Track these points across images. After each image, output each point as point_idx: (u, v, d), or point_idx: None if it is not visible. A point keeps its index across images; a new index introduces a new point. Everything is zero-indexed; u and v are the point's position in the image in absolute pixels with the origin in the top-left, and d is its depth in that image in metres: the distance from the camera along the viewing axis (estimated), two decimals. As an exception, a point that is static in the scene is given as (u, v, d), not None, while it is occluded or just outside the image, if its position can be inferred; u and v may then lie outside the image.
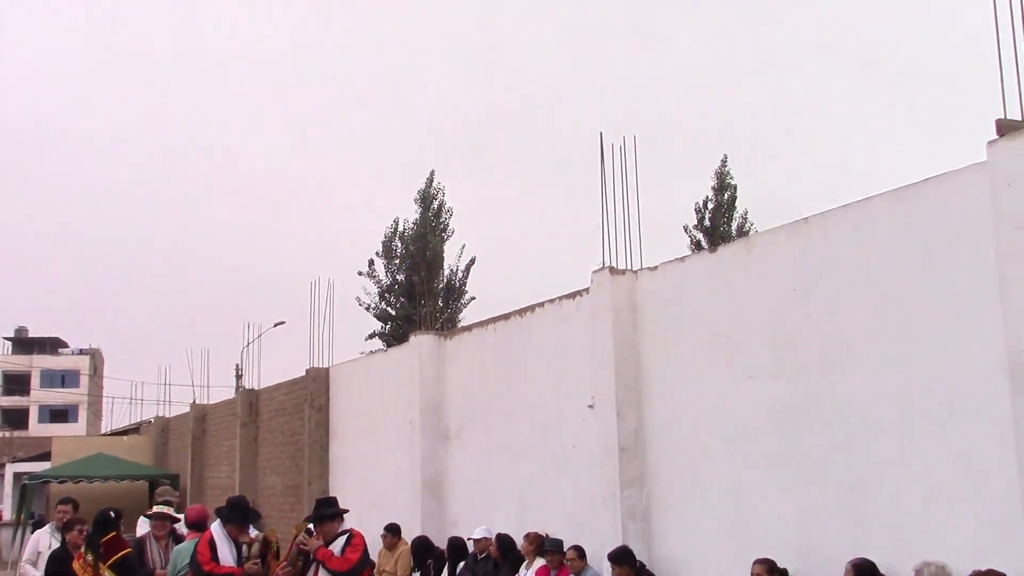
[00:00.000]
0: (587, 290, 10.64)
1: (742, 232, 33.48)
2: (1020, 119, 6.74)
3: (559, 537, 10.42)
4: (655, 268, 10.01)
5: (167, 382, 36.35)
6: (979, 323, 6.79)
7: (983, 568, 6.40)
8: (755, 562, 7.99)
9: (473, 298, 35.14)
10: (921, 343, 7.22)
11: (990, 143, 6.73)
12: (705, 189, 35.81)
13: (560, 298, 11.36)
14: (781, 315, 8.42)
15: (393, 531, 12.70)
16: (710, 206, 36.18)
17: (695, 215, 36.14)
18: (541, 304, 11.71)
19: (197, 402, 26.14)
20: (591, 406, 10.38)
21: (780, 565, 7.95)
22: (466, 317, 33.67)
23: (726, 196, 36.26)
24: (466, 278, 35.56)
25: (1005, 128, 6.70)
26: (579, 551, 9.88)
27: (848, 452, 7.68)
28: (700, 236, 35.42)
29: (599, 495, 10.05)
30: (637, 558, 9.16)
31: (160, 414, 30.96)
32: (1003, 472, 6.47)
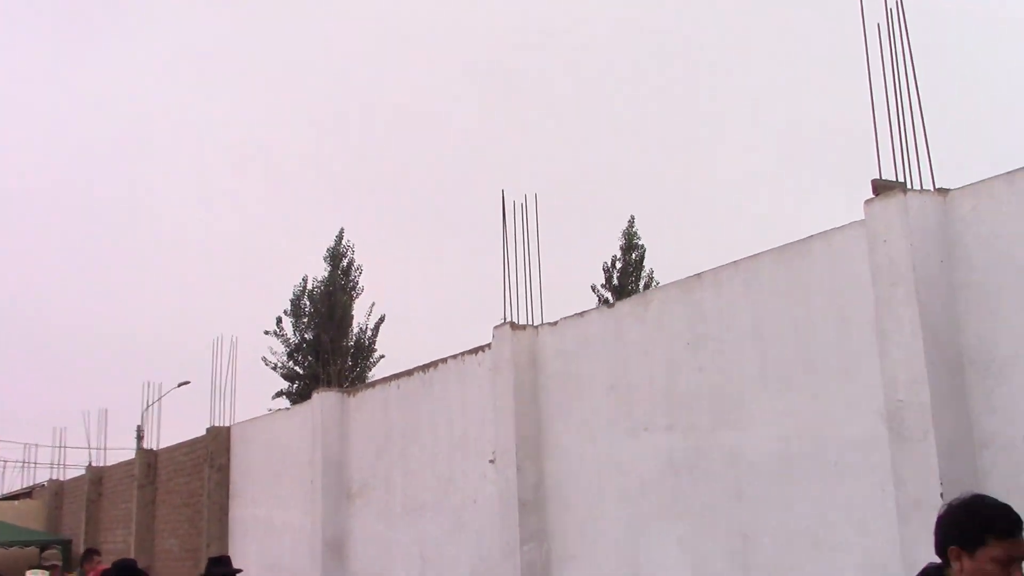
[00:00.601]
0: (489, 346, 10.71)
1: (649, 291, 34.10)
2: (894, 179, 7.08)
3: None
4: (555, 323, 10.14)
5: (62, 444, 35.14)
6: (860, 375, 7.04)
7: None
8: None
9: (383, 356, 34.92)
10: (806, 394, 7.45)
11: (867, 202, 7.05)
12: (614, 249, 36.36)
13: (463, 354, 11.41)
14: (675, 369, 8.60)
15: (292, 592, 12.43)
16: (618, 265, 36.73)
17: (603, 274, 36.63)
18: (444, 360, 11.74)
19: (93, 464, 25.31)
20: (492, 461, 10.40)
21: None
22: (375, 375, 33.39)
23: (634, 256, 36.87)
24: (375, 336, 35.35)
25: (880, 188, 7.03)
26: None
27: (739, 503, 7.84)
28: (608, 295, 35.89)
29: (499, 550, 10.03)
30: (536, 613, 9.15)
31: (54, 477, 29.86)
32: (884, 518, 6.68)
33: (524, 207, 10.57)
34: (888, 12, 7.35)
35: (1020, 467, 6.10)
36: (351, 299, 35.09)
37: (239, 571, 8.40)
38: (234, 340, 17.33)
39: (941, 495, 6.22)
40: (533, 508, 9.86)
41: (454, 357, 11.55)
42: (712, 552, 8.04)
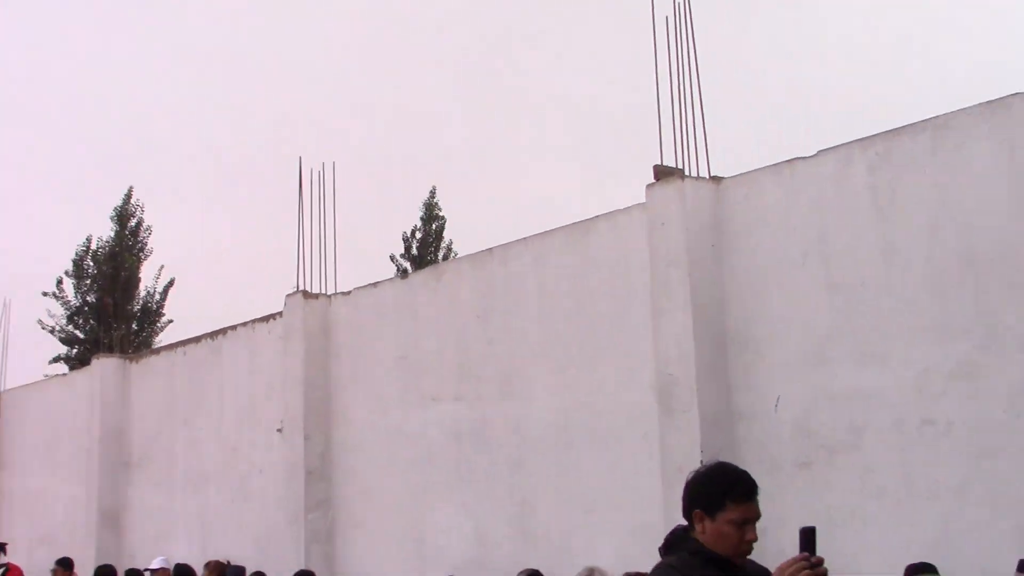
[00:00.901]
0: (280, 314, 10.59)
1: (448, 263, 34.28)
2: (674, 166, 7.49)
3: (241, 564, 10.22)
4: (348, 293, 10.15)
5: None
6: (635, 350, 7.43)
7: (633, 571, 6.97)
8: None
9: (171, 321, 33.57)
10: (585, 368, 7.80)
11: (648, 186, 7.43)
12: (416, 220, 36.38)
13: (253, 321, 11.22)
14: (465, 340, 8.80)
15: (65, 564, 11.87)
16: (418, 235, 36.78)
17: (403, 244, 36.59)
18: (234, 327, 11.51)
19: None
20: (280, 430, 10.32)
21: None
22: (162, 341, 32.15)
23: (434, 227, 36.99)
24: (164, 300, 33.89)
25: (661, 173, 7.42)
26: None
27: (519, 471, 8.14)
28: (407, 265, 35.90)
29: (284, 518, 9.99)
30: (319, 580, 9.18)
31: None
32: (651, 483, 7.09)
33: (322, 175, 10.48)
34: (676, 6, 7.73)
35: (769, 437, 6.63)
36: (139, 261, 33.48)
37: (3, 544, 8.02)
38: (7, 301, 16.32)
39: (701, 462, 6.67)
40: (320, 477, 9.87)
41: (244, 324, 11.35)
42: (493, 516, 8.31)
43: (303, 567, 9.35)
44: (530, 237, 8.48)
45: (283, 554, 9.89)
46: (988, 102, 5.91)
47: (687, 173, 7.33)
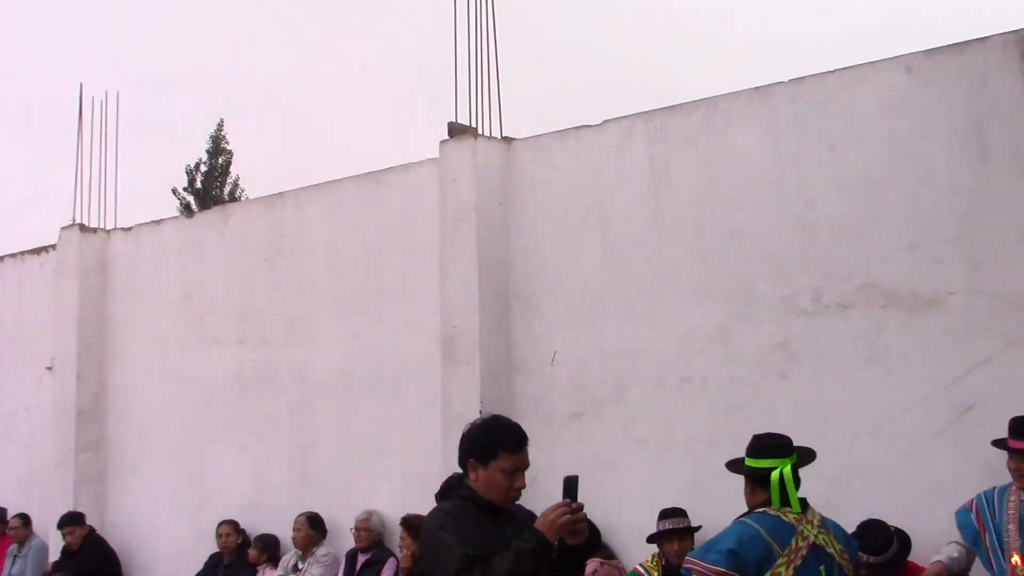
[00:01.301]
0: (53, 247, 10.13)
1: (234, 197, 33.26)
2: (468, 124, 7.68)
3: (3, 506, 9.84)
4: (129, 229, 9.83)
5: None
6: (421, 302, 7.64)
7: (412, 513, 7.25)
8: (220, 523, 8.28)
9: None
10: (372, 317, 7.95)
11: (442, 142, 7.60)
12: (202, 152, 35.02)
13: (23, 253, 10.67)
14: (252, 285, 8.75)
15: None
16: (203, 169, 35.48)
17: (186, 177, 35.23)
18: (1, 258, 10.90)
19: None
20: (50, 368, 9.92)
21: (239, 523, 8.31)
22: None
23: (220, 160, 35.78)
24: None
25: (454, 131, 7.61)
26: (24, 519, 9.47)
27: (301, 415, 8.24)
28: (191, 199, 34.62)
29: (52, 460, 9.66)
30: (89, 522, 8.98)
31: None
32: (431, 431, 7.36)
33: (104, 104, 10.02)
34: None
35: (544, 391, 7.01)
36: None
37: None
38: None
39: (480, 412, 7.00)
40: (91, 417, 9.60)
41: (12, 256, 10.77)
42: (274, 460, 8.39)
43: (71, 509, 9.13)
44: (322, 184, 8.50)
45: (50, 496, 9.58)
46: (756, 88, 6.42)
47: (480, 132, 7.55)
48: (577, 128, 7.18)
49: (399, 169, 8.08)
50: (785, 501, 4.21)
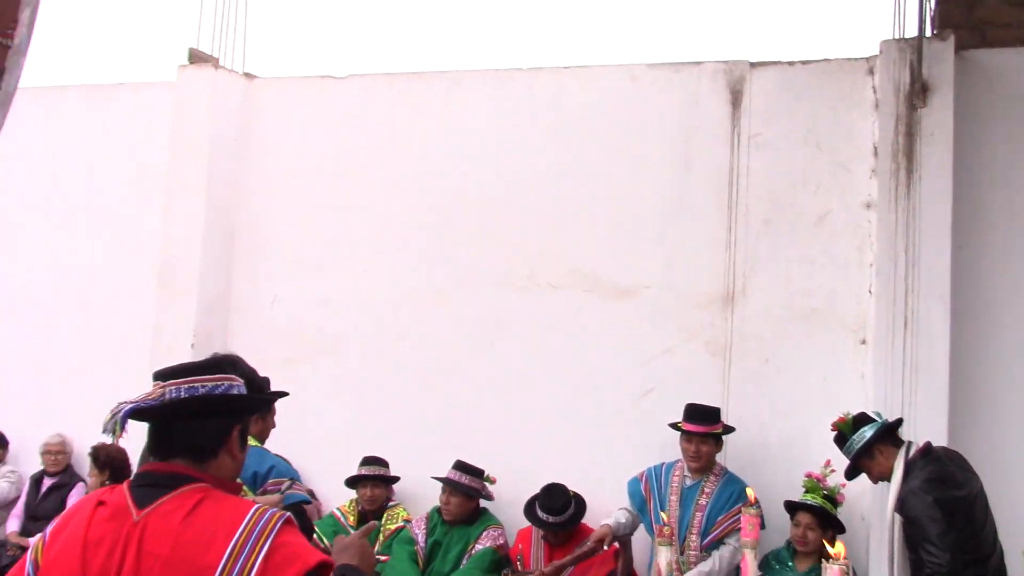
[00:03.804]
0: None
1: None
2: (210, 53, 7.50)
3: None
4: None
5: None
6: (144, 226, 7.44)
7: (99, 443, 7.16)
8: None
9: None
10: (88, 233, 7.65)
11: (181, 67, 7.39)
12: None
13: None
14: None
15: None
16: None
17: None
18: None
19: None
20: None
21: None
22: None
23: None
24: None
25: (195, 58, 7.42)
26: None
27: (-2, 329, 7.84)
28: None
29: None
30: None
31: None
32: (139, 357, 7.22)
33: None
34: None
35: (261, 333, 7.08)
36: None
37: None
38: None
39: (192, 346, 7.01)
40: None
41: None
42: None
43: None
44: (42, 88, 8.00)
45: None
46: (497, 70, 6.78)
47: (221, 64, 7.42)
48: (322, 77, 7.24)
49: (132, 86, 7.78)
50: None
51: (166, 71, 7.54)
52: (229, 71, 7.41)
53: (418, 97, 6.93)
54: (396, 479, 6.40)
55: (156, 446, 2.33)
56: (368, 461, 6.43)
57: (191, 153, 7.24)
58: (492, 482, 6.10)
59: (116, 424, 2.27)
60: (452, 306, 6.66)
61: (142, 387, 6.29)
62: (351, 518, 6.36)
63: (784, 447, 5.93)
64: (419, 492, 6.40)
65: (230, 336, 7.18)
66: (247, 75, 7.48)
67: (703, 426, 5.63)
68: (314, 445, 6.67)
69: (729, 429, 5.76)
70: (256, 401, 2.55)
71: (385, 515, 6.33)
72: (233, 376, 2.38)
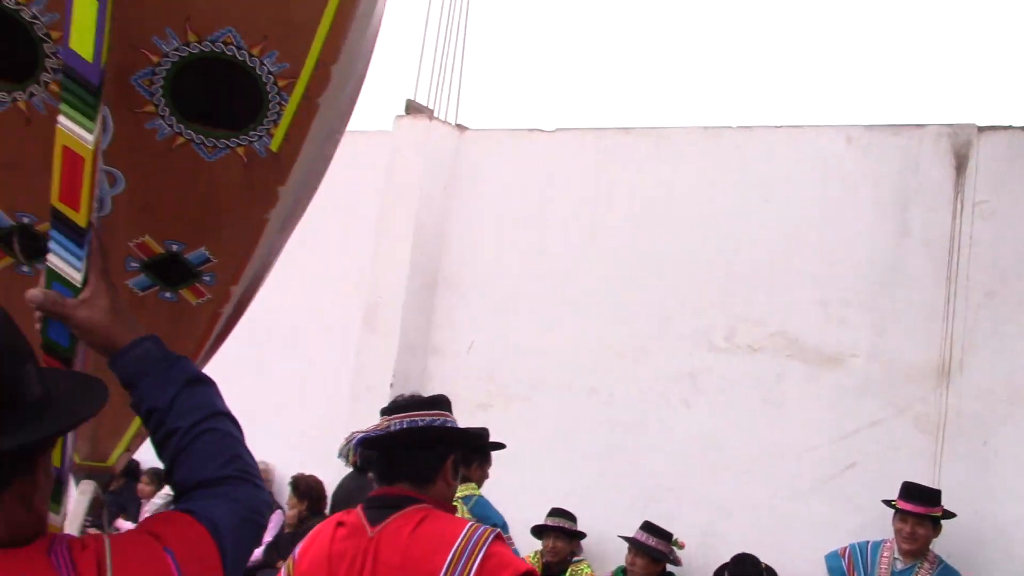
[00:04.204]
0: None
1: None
2: (425, 104, 7.79)
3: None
4: None
5: None
6: (353, 266, 7.75)
7: (306, 472, 7.42)
8: None
9: None
10: (301, 271, 8.02)
11: (397, 117, 7.71)
12: None
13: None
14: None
15: None
16: None
17: None
18: None
19: None
20: None
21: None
22: None
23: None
24: None
25: (411, 108, 7.71)
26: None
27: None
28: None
29: None
30: None
31: None
32: (339, 393, 7.51)
33: None
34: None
35: (457, 376, 7.22)
36: None
37: None
38: None
39: (391, 385, 7.21)
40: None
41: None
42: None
43: None
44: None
45: None
46: (706, 128, 6.71)
47: (436, 115, 7.69)
48: (530, 131, 7.38)
49: (350, 132, 8.13)
50: None
51: (383, 120, 7.89)
52: (443, 122, 7.68)
53: (624, 152, 6.94)
54: (582, 535, 6.33)
55: (383, 472, 2.64)
56: (555, 512, 6.39)
57: (402, 200, 7.51)
58: (680, 547, 5.93)
59: (349, 450, 2.68)
60: (647, 362, 6.58)
61: (343, 423, 6.57)
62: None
63: (1002, 538, 5.50)
64: (606, 549, 6.30)
65: (427, 378, 7.35)
66: (459, 127, 7.72)
67: (922, 507, 5.28)
68: (503, 491, 6.67)
69: (949, 514, 5.38)
70: (466, 435, 2.77)
71: (569, 570, 6.25)
72: (448, 412, 2.68)
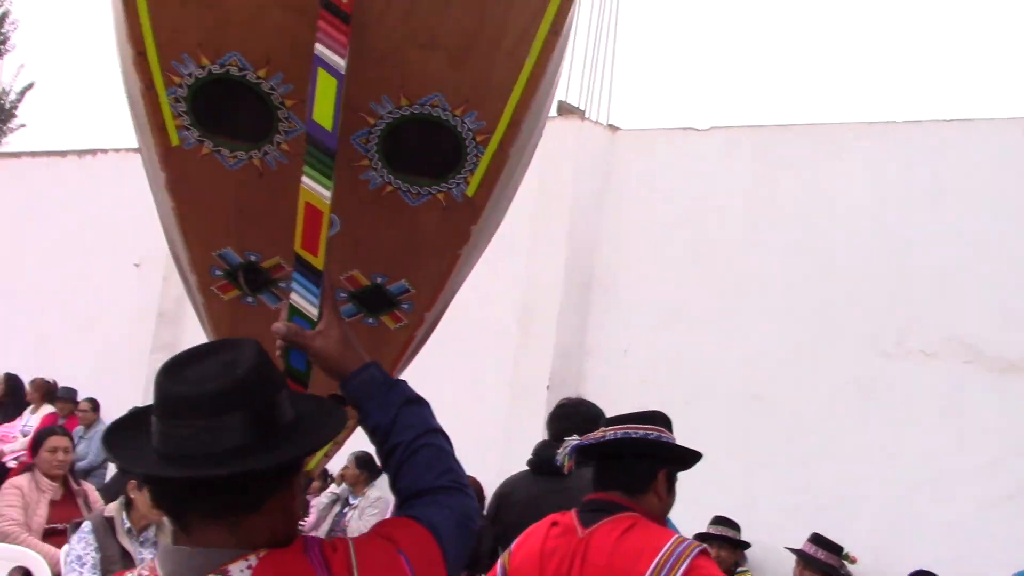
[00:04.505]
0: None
1: None
2: (576, 105, 7.78)
3: (73, 387, 10.28)
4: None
5: None
6: (508, 271, 7.78)
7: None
8: None
9: (23, 125, 31.51)
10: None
11: (549, 119, 7.65)
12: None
13: (127, 150, 10.96)
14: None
15: None
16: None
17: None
18: (105, 151, 11.21)
19: None
20: (137, 265, 10.28)
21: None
22: (11, 144, 30.31)
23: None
24: (19, 101, 31.70)
25: (563, 110, 7.72)
26: (93, 403, 9.89)
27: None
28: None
29: (127, 356, 10.06)
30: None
31: None
32: (498, 397, 7.57)
33: None
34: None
35: (612, 377, 7.19)
36: (-4, 53, 31.14)
37: None
38: None
39: (548, 387, 7.23)
40: (171, 319, 9.96)
41: (117, 151, 11.08)
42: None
43: (141, 403, 9.53)
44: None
45: (121, 390, 9.99)
46: (870, 123, 6.46)
47: (587, 116, 7.65)
48: (684, 129, 7.26)
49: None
50: None
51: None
52: (594, 123, 7.64)
53: (782, 150, 6.75)
54: (746, 544, 6.21)
55: (599, 478, 2.79)
56: (718, 521, 6.29)
57: (556, 201, 7.51)
58: (852, 561, 5.74)
59: (566, 456, 2.84)
60: (811, 368, 6.39)
61: (501, 425, 6.62)
62: (696, 578, 6.23)
63: None
64: (771, 560, 6.17)
65: (583, 381, 7.34)
66: (611, 127, 7.66)
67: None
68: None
69: None
70: (680, 451, 2.83)
71: (733, 580, 6.16)
72: (664, 429, 2.81)
